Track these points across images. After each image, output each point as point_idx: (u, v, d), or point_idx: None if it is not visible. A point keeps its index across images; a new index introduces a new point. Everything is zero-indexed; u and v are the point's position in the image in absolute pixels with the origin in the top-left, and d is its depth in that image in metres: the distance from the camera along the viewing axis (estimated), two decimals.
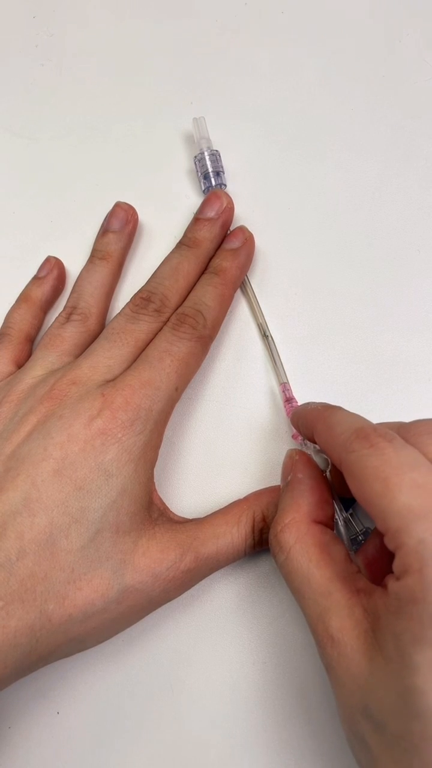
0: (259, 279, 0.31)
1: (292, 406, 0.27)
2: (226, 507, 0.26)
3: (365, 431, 0.20)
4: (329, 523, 0.22)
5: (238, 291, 0.30)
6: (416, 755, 0.16)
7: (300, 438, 0.27)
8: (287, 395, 0.28)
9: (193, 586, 0.25)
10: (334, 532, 0.22)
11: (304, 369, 0.29)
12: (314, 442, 0.23)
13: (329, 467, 0.24)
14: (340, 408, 0.23)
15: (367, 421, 0.21)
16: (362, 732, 0.18)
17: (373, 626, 0.18)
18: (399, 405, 0.28)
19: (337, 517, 0.24)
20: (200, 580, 0.25)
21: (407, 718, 0.16)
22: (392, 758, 0.17)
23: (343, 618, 0.19)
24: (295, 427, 0.26)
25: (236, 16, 0.35)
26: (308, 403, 0.25)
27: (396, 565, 0.18)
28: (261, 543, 0.25)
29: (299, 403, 0.27)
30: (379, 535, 0.22)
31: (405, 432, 0.20)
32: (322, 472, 0.24)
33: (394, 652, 0.17)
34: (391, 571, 0.19)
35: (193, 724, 0.25)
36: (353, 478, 0.19)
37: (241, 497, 0.26)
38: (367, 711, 0.18)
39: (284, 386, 0.28)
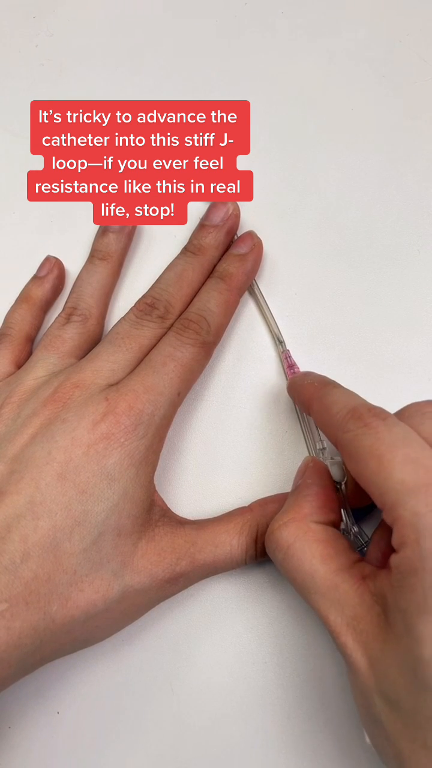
0: (258, 279, 0.30)
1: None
2: (229, 514, 0.26)
3: (359, 411, 0.20)
4: (330, 526, 0.22)
5: (245, 293, 0.30)
6: (430, 730, 0.17)
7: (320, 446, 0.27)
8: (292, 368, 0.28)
9: (189, 586, 0.25)
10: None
11: (304, 369, 0.29)
12: (309, 415, 0.24)
13: (345, 478, 0.24)
14: (336, 386, 0.23)
15: (362, 399, 0.22)
16: (378, 714, 0.18)
17: (383, 608, 0.18)
18: (399, 405, 0.28)
19: (347, 528, 0.24)
20: (196, 582, 0.25)
21: (418, 692, 0.17)
22: (408, 736, 0.17)
23: (354, 607, 0.19)
24: (291, 397, 0.26)
25: (236, 17, 0.35)
26: (307, 375, 0.25)
27: (394, 539, 0.18)
28: (264, 554, 0.24)
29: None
30: (384, 538, 0.23)
31: (398, 413, 0.21)
32: (336, 482, 0.24)
33: (402, 628, 0.17)
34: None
35: (193, 724, 0.25)
36: (349, 458, 0.20)
37: (245, 503, 0.26)
38: (382, 692, 0.18)
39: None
